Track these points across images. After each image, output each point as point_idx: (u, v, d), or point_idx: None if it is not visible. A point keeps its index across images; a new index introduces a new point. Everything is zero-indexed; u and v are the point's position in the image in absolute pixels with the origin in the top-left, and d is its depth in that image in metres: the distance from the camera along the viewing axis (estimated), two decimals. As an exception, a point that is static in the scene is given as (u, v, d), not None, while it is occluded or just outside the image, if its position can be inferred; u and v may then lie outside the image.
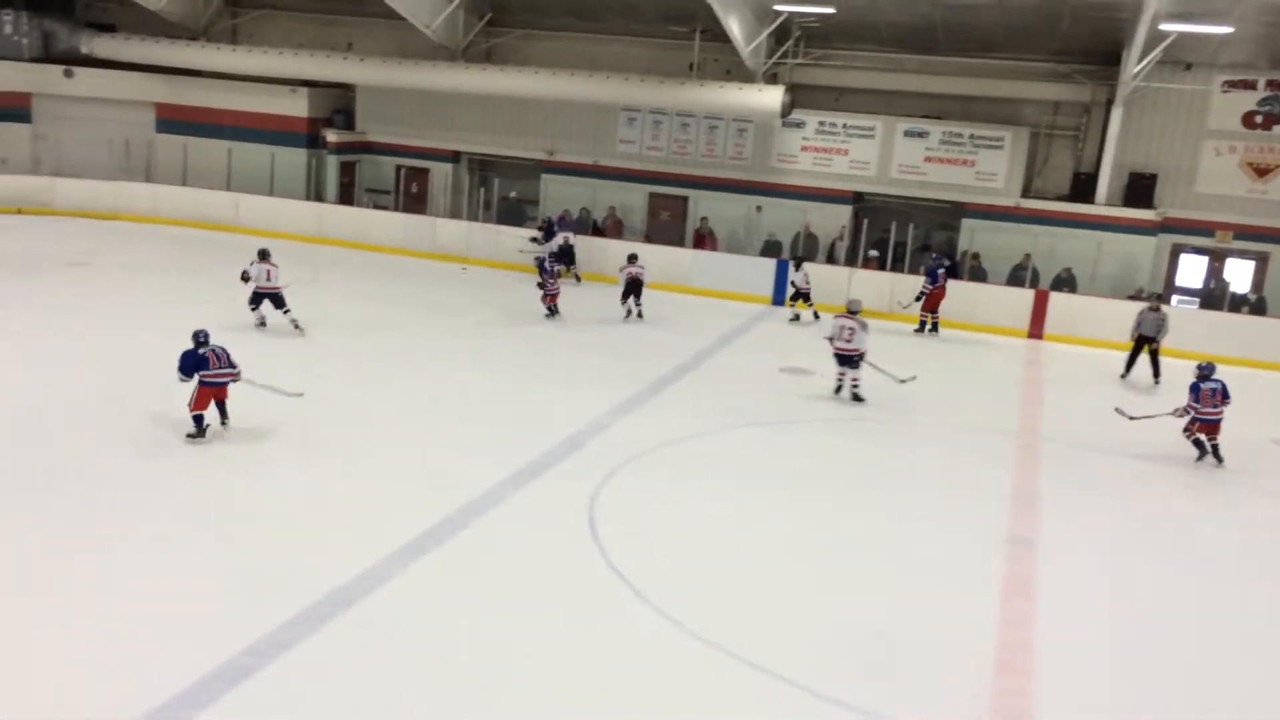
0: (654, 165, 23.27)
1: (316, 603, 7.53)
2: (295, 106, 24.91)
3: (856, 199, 22.24)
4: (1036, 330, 19.39)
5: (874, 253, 20.90)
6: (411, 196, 25.01)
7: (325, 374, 13.44)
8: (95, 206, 23.62)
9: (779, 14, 20.01)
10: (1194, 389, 12.18)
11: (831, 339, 13.92)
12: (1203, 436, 12.30)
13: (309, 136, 25.05)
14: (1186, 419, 12.35)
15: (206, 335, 10.71)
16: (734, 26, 19.37)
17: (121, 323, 15.16)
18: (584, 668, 7.11)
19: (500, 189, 23.65)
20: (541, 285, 17.74)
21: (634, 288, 18.05)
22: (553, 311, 17.72)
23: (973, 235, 21.26)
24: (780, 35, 21.13)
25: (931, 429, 13.38)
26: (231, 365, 10.75)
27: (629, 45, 23.16)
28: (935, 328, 18.97)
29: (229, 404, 10.80)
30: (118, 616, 7.20)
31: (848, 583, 8.78)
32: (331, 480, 10.03)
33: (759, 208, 22.68)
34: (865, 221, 21.48)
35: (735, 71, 21.48)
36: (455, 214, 24.35)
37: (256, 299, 15.28)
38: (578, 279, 20.96)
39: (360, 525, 9.03)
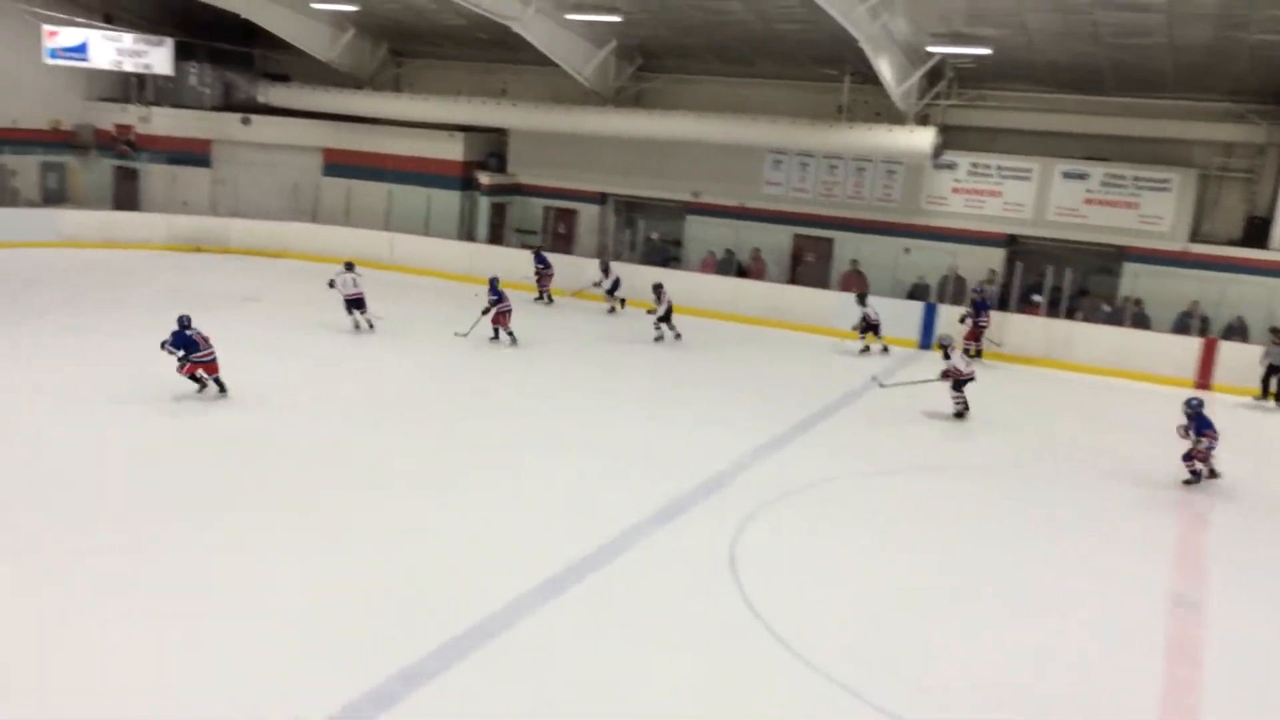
0: (800, 207, 23.16)
1: (462, 634, 7.67)
2: (452, 150, 25.86)
3: (1009, 242, 21.61)
4: (1204, 380, 18.38)
5: (1037, 297, 20.26)
6: (559, 237, 25.55)
7: (466, 408, 13.79)
8: (266, 245, 24.97)
9: (932, 55, 19.73)
10: (1204, 420, 12.46)
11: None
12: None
13: (463, 179, 25.93)
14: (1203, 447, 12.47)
15: (189, 319, 13.10)
16: (885, 69, 19.19)
17: (289, 353, 15.92)
18: (721, 709, 7.02)
19: (645, 230, 23.91)
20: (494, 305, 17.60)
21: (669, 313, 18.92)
22: (497, 334, 17.66)
23: (1135, 280, 20.35)
24: (933, 76, 20.81)
25: (1088, 477, 12.78)
26: (210, 347, 13.08)
27: (777, 88, 23.19)
28: (979, 354, 19.03)
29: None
30: (269, 636, 7.48)
31: (997, 636, 8.43)
32: (473, 513, 10.23)
33: (907, 250, 22.27)
34: (1019, 265, 20.83)
35: (885, 113, 21.24)
36: (601, 254, 24.70)
37: (348, 305, 17.70)
38: (621, 303, 21.69)
39: (502, 558, 9.17)
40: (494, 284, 17.86)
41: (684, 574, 9.14)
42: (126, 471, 10.62)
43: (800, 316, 21.09)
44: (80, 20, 24.87)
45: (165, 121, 26.78)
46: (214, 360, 13.08)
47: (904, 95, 20.39)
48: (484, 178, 25.87)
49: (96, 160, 26.79)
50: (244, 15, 23.81)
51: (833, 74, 21.99)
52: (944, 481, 12.34)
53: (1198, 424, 12.50)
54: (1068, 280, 19.87)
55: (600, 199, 25.56)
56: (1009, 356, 19.38)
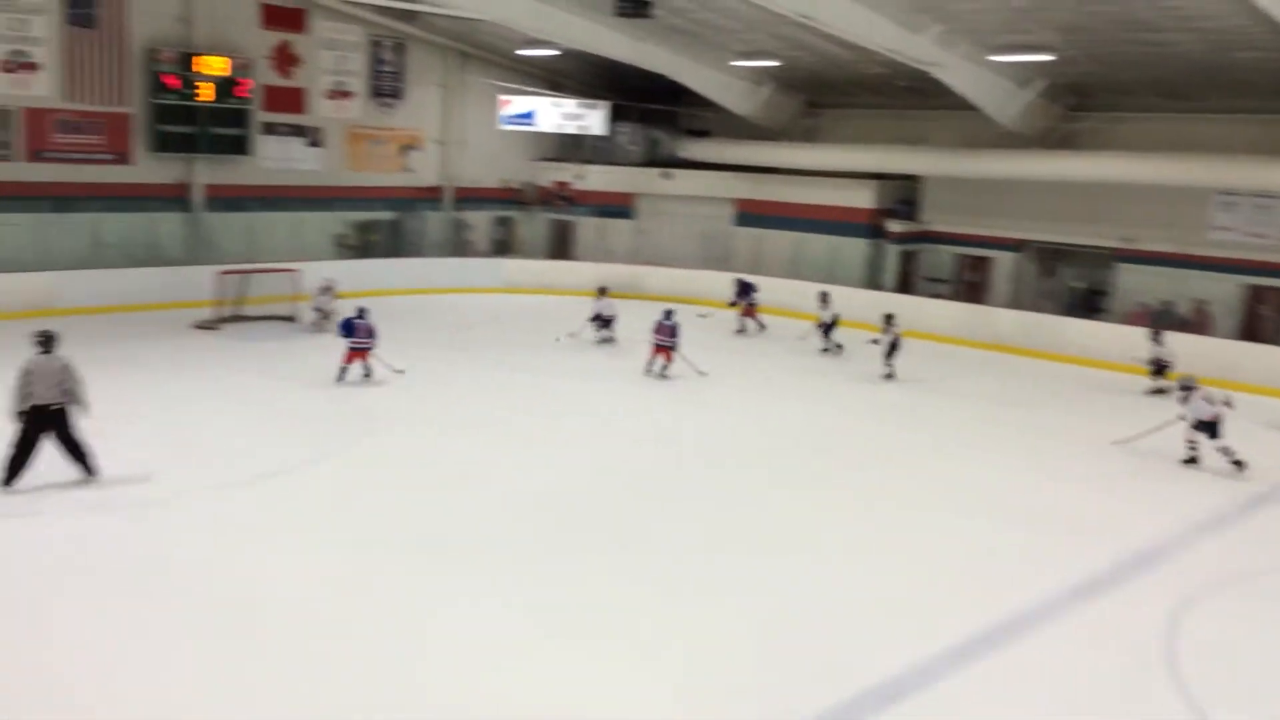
0: (1257, 254, 20.51)
1: (864, 691, 7.38)
2: (861, 198, 25.75)
3: None
4: None
5: None
6: (970, 285, 24.52)
7: (852, 459, 13.47)
8: (681, 291, 26.18)
9: None
10: None
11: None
12: None
13: (870, 227, 25.70)
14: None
15: (364, 311, 15.96)
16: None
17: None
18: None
19: (1068, 278, 22.30)
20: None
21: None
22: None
23: None
24: None
25: None
26: (371, 336, 15.90)
27: (1230, 124, 20.76)
28: None
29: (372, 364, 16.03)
30: (685, 678, 7.60)
31: None
32: (873, 568, 9.90)
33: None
34: None
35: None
36: (1016, 304, 23.41)
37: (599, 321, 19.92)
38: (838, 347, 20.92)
39: (905, 619, 8.78)
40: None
41: (1108, 664, 8.20)
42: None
43: (1256, 377, 18.62)
44: (530, 90, 27.72)
45: (597, 178, 29.07)
46: (366, 349, 15.94)
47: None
48: (893, 225, 25.48)
49: (537, 214, 29.61)
50: (672, 77, 25.28)
51: (1300, 104, 19.37)
52: None
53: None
54: None
55: (1017, 246, 24.23)
56: None
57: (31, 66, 20.94)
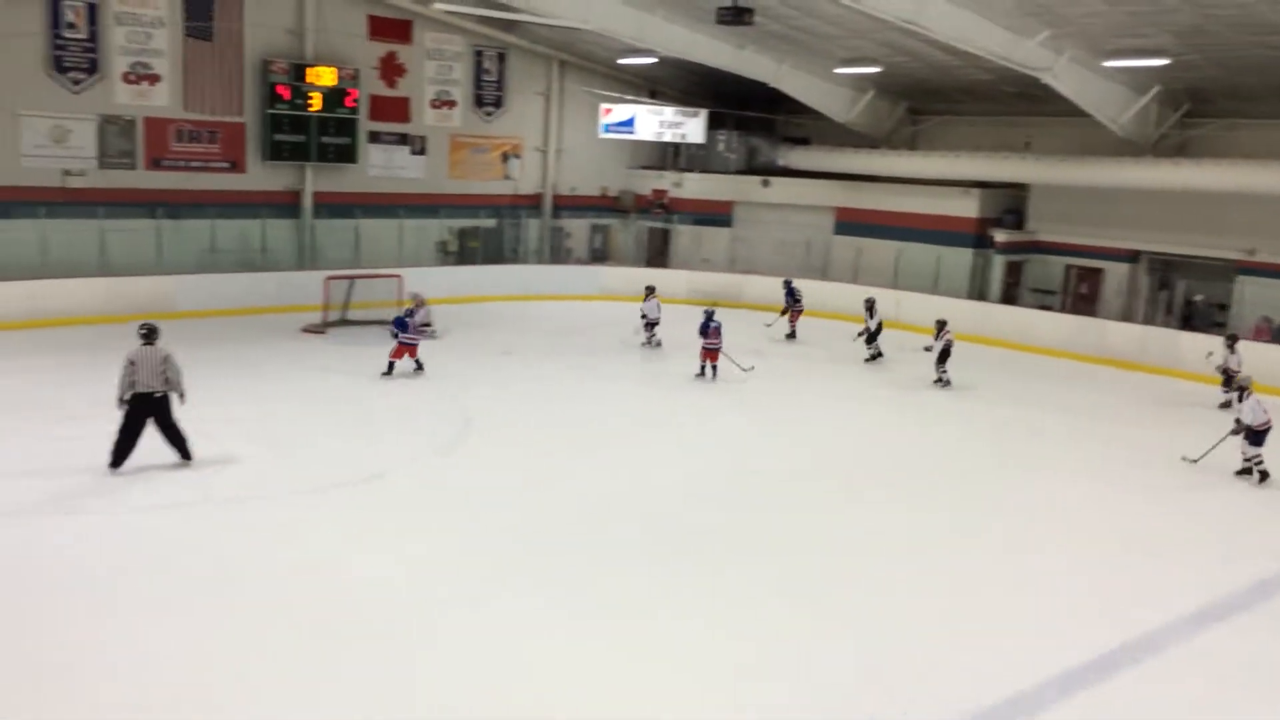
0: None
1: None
2: (965, 207, 25.19)
3: None
4: None
5: None
6: (1080, 297, 23.79)
7: (981, 476, 13.11)
8: (777, 301, 25.89)
9: None
10: None
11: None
12: None
13: (976, 237, 25.12)
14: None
15: (412, 311, 17.36)
16: None
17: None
18: None
19: (1186, 291, 21.47)
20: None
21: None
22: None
23: None
24: None
25: None
26: (421, 330, 17.61)
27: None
28: None
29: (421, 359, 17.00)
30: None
31: None
32: (982, 594, 9.61)
33: None
34: None
35: None
36: (1128, 317, 22.64)
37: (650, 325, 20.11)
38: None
39: (1018, 642, 8.54)
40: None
41: (1241, 694, 7.81)
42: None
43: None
44: (630, 98, 27.83)
45: (694, 185, 29.04)
46: (415, 345, 16.96)
47: None
48: (999, 235, 24.87)
49: (634, 222, 29.70)
50: (772, 85, 25.11)
51: None
52: None
53: None
54: None
55: (1131, 257, 23.42)
56: None
57: (153, 78, 21.77)
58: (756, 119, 29.33)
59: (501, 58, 27.12)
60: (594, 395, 16.85)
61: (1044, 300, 24.41)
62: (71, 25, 20.61)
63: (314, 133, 23.70)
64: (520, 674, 7.60)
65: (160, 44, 21.74)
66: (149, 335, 11.59)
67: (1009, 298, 24.67)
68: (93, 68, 21.02)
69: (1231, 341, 17.68)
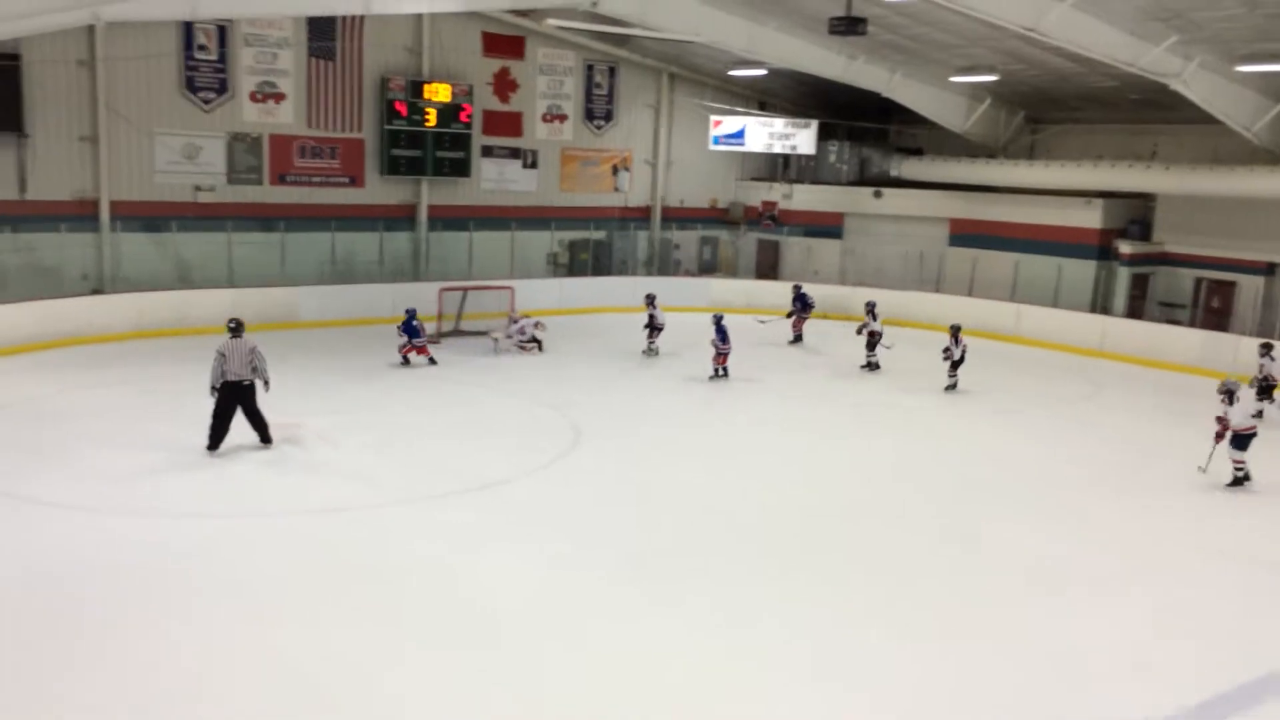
0: None
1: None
2: (1088, 218, 24.37)
3: None
4: None
5: None
6: (1211, 311, 22.76)
7: (1111, 493, 12.63)
8: (888, 313, 25.40)
9: None
10: None
11: None
12: None
13: (1100, 248, 24.28)
14: None
15: (415, 311, 18.48)
16: None
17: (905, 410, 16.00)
18: None
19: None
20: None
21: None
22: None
23: None
24: None
25: None
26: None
27: None
28: None
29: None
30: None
31: None
32: (1119, 616, 9.23)
33: None
34: None
35: None
36: (1266, 332, 21.54)
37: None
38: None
39: (1160, 671, 8.13)
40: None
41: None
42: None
43: None
44: (740, 110, 27.76)
45: (804, 197, 28.75)
46: (425, 345, 18.37)
47: None
48: (1124, 246, 23.98)
49: (744, 234, 29.56)
50: (885, 95, 24.73)
51: None
52: None
53: None
54: None
55: (1267, 269, 22.32)
56: None
57: (278, 97, 22.58)
58: (868, 129, 28.92)
59: (612, 71, 27.34)
60: (705, 406, 16.80)
61: (1172, 314, 23.43)
62: (203, 47, 21.52)
63: (429, 148, 24.26)
64: (642, 684, 7.60)
65: (285, 64, 22.54)
66: (237, 329, 12.72)
67: (1134, 311, 23.74)
68: (222, 87, 21.90)
69: (1266, 348, 16.79)
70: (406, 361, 18.42)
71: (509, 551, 10.15)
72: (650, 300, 20.48)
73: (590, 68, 27.00)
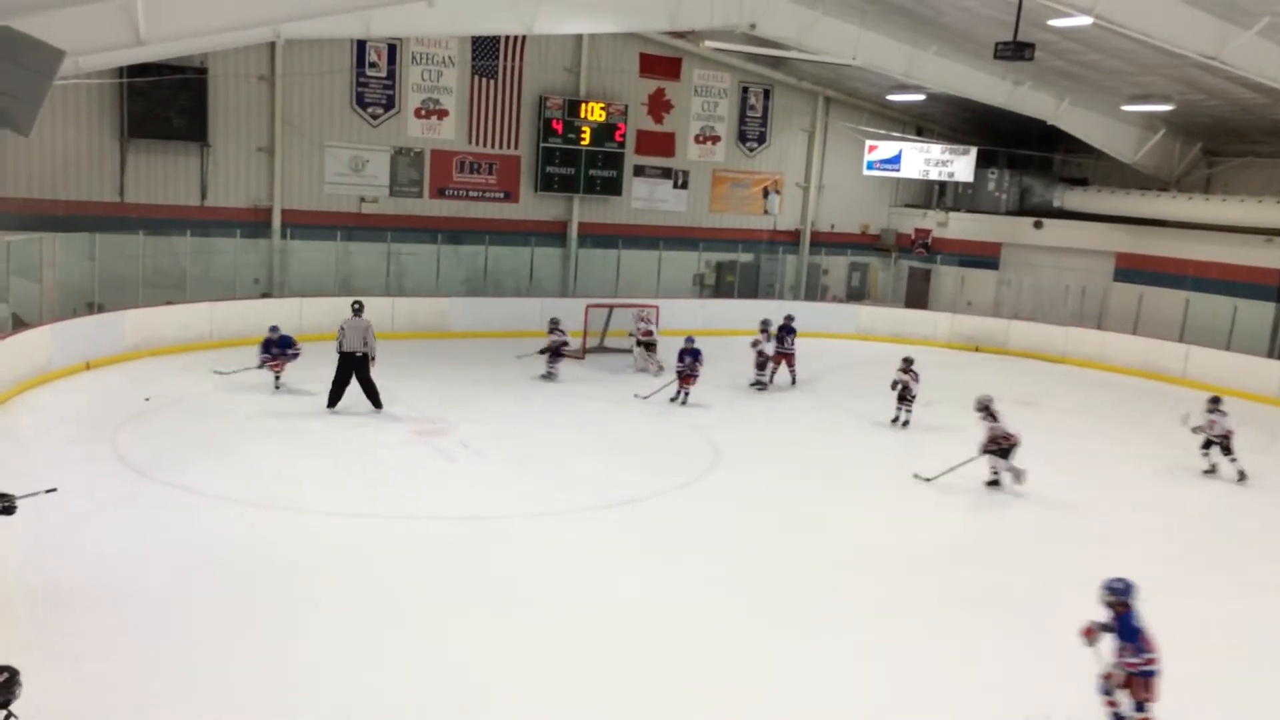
0: None
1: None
2: (1268, 257, 22.93)
3: None
4: None
5: None
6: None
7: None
8: (1046, 349, 24.54)
9: None
10: None
11: None
12: None
13: (1279, 289, 22.78)
14: None
15: (276, 328, 16.32)
16: None
17: (1061, 453, 15.29)
18: None
19: None
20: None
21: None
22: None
23: None
24: None
25: None
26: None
27: None
28: None
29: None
30: None
31: None
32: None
33: None
34: None
35: None
36: None
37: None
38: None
39: None
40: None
41: None
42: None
43: None
44: (896, 135, 27.26)
45: (960, 225, 28.00)
46: (282, 361, 16.21)
47: None
48: (1308, 288, 22.45)
49: (895, 261, 28.97)
50: (1052, 123, 23.87)
51: None
52: None
53: None
54: None
55: None
56: None
57: (441, 113, 23.34)
58: (1030, 158, 27.97)
59: (767, 94, 27.24)
60: (848, 435, 16.46)
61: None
62: (373, 64, 22.45)
63: (583, 166, 24.67)
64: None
65: (449, 81, 23.29)
66: (359, 309, 15.11)
67: (1317, 357, 22.18)
68: (389, 103, 22.78)
69: (1215, 405, 15.01)
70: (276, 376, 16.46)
71: (646, 571, 10.15)
72: (763, 326, 19.45)
73: (745, 90, 26.97)
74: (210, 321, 19.64)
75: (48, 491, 8.46)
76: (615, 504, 12.16)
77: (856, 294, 29.03)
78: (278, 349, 16.36)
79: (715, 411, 17.09)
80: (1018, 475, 13.31)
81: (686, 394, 17.39)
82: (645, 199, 26.23)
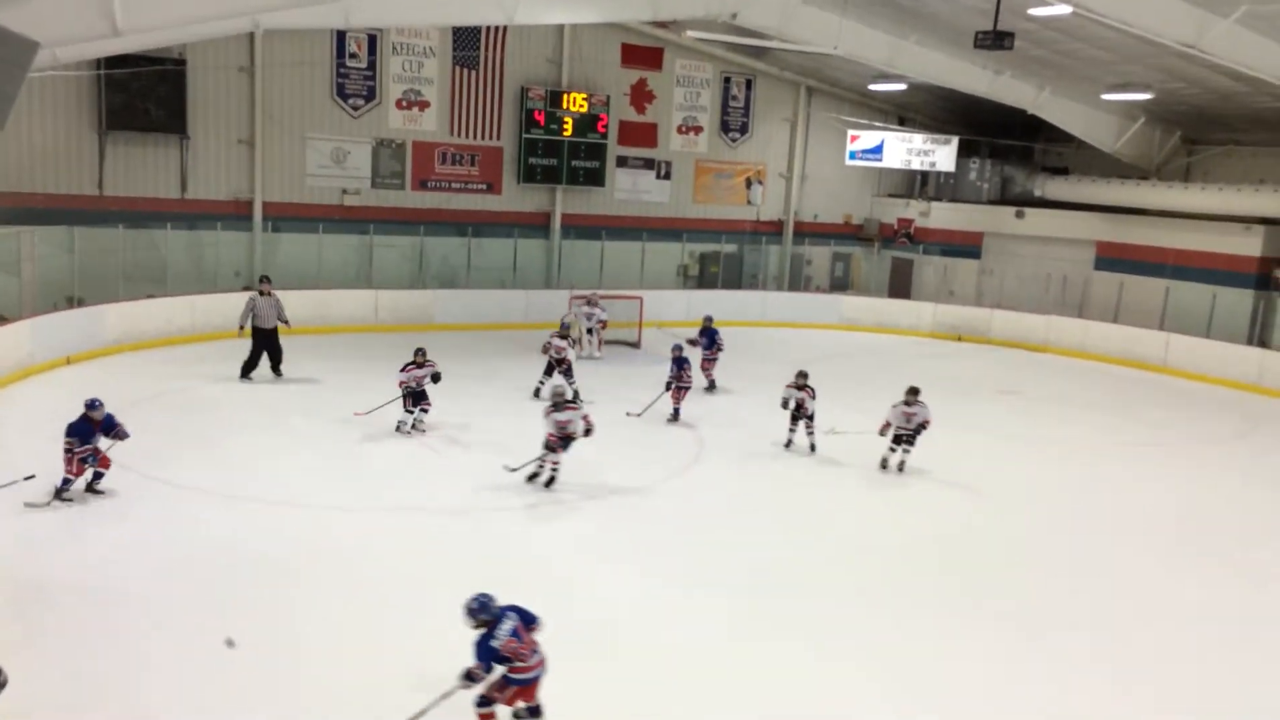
0: None
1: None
2: (1247, 245, 23.08)
3: None
4: None
5: None
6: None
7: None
8: (1027, 338, 24.67)
9: None
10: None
11: None
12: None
13: (1258, 277, 22.96)
14: None
15: (95, 401, 10.84)
16: None
17: (1040, 443, 15.38)
18: None
19: None
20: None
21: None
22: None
23: None
24: None
25: None
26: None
27: None
28: None
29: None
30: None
31: None
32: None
33: None
34: None
35: None
36: None
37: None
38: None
39: None
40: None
41: None
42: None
43: None
44: (878, 124, 27.30)
45: (942, 215, 28.11)
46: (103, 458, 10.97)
47: None
48: (1285, 276, 22.65)
49: (878, 251, 29.05)
50: (1032, 112, 23.96)
51: None
52: None
53: None
54: None
55: None
56: None
57: (423, 104, 23.24)
58: (1011, 147, 28.07)
59: (749, 84, 27.24)
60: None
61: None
62: (354, 55, 22.33)
63: (565, 157, 24.62)
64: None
65: (430, 72, 23.19)
66: (266, 291, 16.51)
67: (1294, 344, 22.37)
68: (370, 94, 22.66)
69: (914, 395, 13.62)
70: (65, 485, 10.66)
71: (641, 566, 10.15)
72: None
73: (727, 80, 26.96)
74: (192, 315, 19.52)
75: (26, 479, 8.37)
76: (604, 495, 12.15)
77: (840, 284, 29.10)
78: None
79: (702, 403, 17.05)
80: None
81: (677, 411, 15.98)
82: (628, 190, 26.20)
